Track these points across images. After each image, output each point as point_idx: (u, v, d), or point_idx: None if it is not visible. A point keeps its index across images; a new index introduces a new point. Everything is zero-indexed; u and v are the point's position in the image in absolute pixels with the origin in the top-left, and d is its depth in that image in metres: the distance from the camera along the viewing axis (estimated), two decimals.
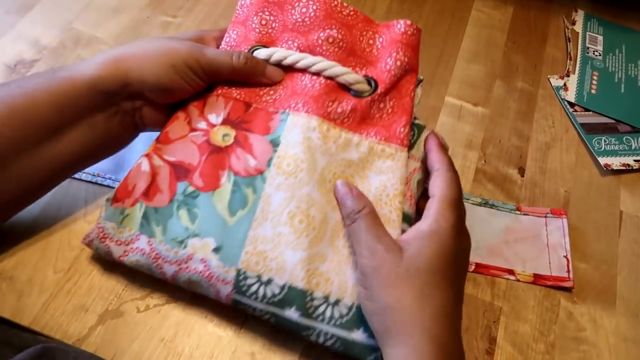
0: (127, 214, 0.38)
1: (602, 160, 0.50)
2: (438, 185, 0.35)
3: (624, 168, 0.50)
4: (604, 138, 0.52)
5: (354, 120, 0.40)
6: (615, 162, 0.50)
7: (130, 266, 0.38)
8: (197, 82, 0.40)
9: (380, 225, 0.35)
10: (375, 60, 0.42)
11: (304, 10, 0.42)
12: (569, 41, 0.59)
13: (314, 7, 0.41)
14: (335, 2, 0.42)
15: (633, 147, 0.51)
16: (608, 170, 0.50)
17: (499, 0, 0.62)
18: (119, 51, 0.38)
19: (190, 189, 0.38)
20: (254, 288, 0.35)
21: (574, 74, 0.57)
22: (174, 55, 0.38)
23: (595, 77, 0.57)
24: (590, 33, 0.60)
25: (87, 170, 0.44)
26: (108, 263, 0.40)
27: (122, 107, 0.39)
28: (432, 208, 0.34)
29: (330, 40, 0.41)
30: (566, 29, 0.61)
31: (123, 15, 0.55)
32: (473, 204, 0.46)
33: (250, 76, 0.41)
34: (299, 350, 0.38)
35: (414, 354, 0.30)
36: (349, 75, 0.40)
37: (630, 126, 0.53)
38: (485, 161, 0.50)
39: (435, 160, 0.37)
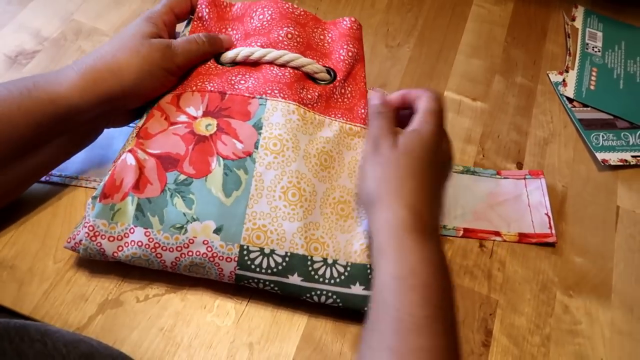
0: (118, 209, 0.38)
1: (600, 156, 0.50)
2: (422, 102, 0.40)
3: (621, 163, 0.50)
4: (602, 134, 0.52)
5: (322, 105, 0.44)
6: (613, 157, 0.51)
7: (125, 261, 0.38)
8: (172, 80, 0.42)
9: (389, 127, 0.40)
10: (329, 52, 0.46)
11: (260, 16, 0.46)
12: (569, 37, 0.59)
13: (269, 12, 0.46)
14: (287, 5, 0.46)
15: (631, 143, 0.52)
16: (605, 166, 0.50)
17: None
18: (94, 66, 0.38)
19: (182, 177, 0.39)
20: (257, 261, 0.38)
21: (573, 69, 0.57)
22: (151, 63, 0.40)
23: (594, 73, 0.57)
24: (589, 29, 0.61)
25: (69, 175, 0.44)
26: None
27: (99, 118, 0.40)
28: (416, 117, 0.40)
29: (289, 36, 0.45)
30: (566, 25, 0.61)
31: (124, 7, 0.55)
32: (456, 172, 0.48)
33: (215, 52, 0.44)
34: (296, 340, 0.39)
35: (392, 217, 0.36)
36: (313, 65, 0.44)
37: (628, 122, 0.53)
38: (483, 156, 0.50)
39: (413, 93, 0.42)
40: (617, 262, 0.45)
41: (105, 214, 0.37)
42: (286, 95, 0.42)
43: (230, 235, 0.38)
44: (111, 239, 0.37)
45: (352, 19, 0.46)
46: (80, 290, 0.39)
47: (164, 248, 0.37)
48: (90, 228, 0.37)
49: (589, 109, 0.54)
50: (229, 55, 0.44)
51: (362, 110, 0.44)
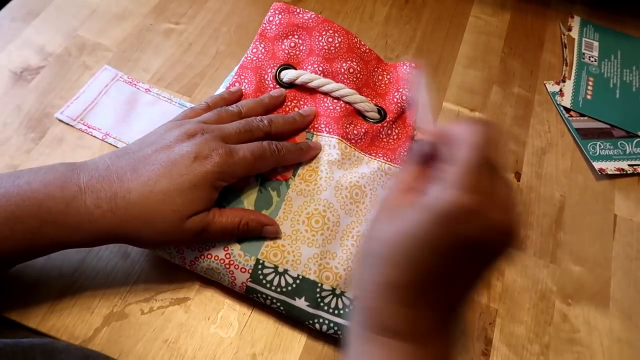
0: None
1: (597, 165, 0.51)
2: (461, 151, 0.27)
3: (618, 172, 0.51)
4: (598, 143, 0.53)
5: (365, 142, 0.45)
6: (610, 166, 0.51)
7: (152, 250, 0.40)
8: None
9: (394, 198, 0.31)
10: (384, 93, 0.48)
11: (330, 40, 0.47)
12: (565, 47, 0.60)
13: (339, 40, 0.47)
14: (356, 39, 0.47)
15: (627, 152, 0.52)
16: (603, 175, 0.51)
17: (496, 6, 0.63)
18: (113, 221, 0.34)
19: (221, 183, 0.40)
20: (269, 277, 0.39)
21: (569, 79, 0.58)
22: (179, 241, 0.38)
23: (590, 83, 0.57)
24: (586, 39, 0.61)
25: (99, 127, 0.47)
26: (113, 266, 0.41)
27: None
28: (435, 183, 0.28)
29: (351, 70, 0.46)
30: (562, 35, 0.62)
31: (127, 22, 0.56)
32: None
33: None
34: (298, 351, 0.39)
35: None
36: (366, 103, 0.46)
37: (625, 131, 0.54)
38: None
39: (455, 131, 0.29)
40: (615, 270, 0.46)
41: None
42: (331, 130, 0.44)
43: (250, 247, 0.39)
44: None
45: (413, 64, 0.48)
46: (85, 303, 0.40)
47: (187, 245, 0.39)
48: None
49: (585, 118, 0.55)
50: (289, 75, 0.45)
51: (405, 153, 0.46)
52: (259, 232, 0.40)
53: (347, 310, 0.39)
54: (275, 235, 0.40)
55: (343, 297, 0.39)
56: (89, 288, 0.40)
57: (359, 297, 0.30)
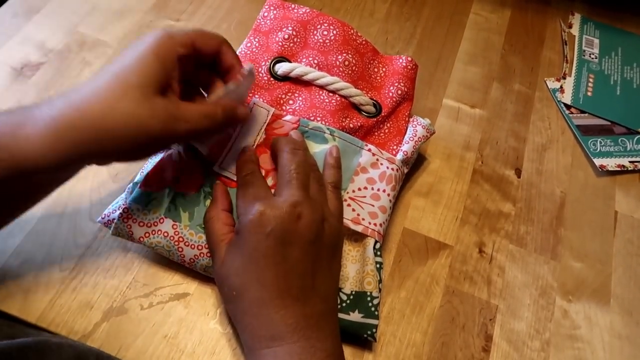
0: (154, 198, 0.40)
1: (598, 162, 0.51)
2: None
3: (619, 169, 0.51)
4: (599, 139, 0.53)
5: (359, 136, 0.45)
6: (611, 163, 0.51)
7: (149, 247, 0.39)
8: (164, 150, 0.40)
9: (219, 235, 0.37)
10: (379, 86, 0.47)
11: (325, 33, 0.46)
12: (566, 44, 0.60)
13: (334, 32, 0.46)
14: (352, 31, 0.46)
15: (628, 149, 0.52)
16: (603, 171, 0.51)
17: (496, 3, 0.63)
18: (72, 120, 0.30)
19: (219, 182, 0.41)
20: None
21: (570, 76, 0.58)
22: (148, 134, 0.32)
23: (591, 80, 0.57)
24: (586, 36, 0.61)
25: None
26: (112, 261, 0.41)
27: (67, 175, 0.35)
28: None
29: (346, 63, 0.46)
30: (563, 32, 0.61)
31: (127, 18, 0.56)
32: None
33: (226, 127, 0.40)
34: None
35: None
36: (362, 97, 0.45)
37: (626, 128, 0.54)
38: (482, 162, 0.51)
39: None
40: (615, 266, 0.46)
41: (141, 200, 0.39)
42: (327, 123, 0.44)
43: None
44: (141, 224, 0.39)
45: (409, 58, 0.47)
46: (85, 298, 0.40)
47: (187, 244, 0.39)
48: (125, 210, 0.39)
49: (586, 115, 0.55)
50: (283, 68, 0.45)
51: (394, 147, 0.45)
52: (235, 115, 0.37)
53: (344, 304, 0.39)
54: (246, 116, 0.39)
55: (341, 293, 0.39)
56: (88, 283, 0.40)
57: (239, 329, 0.36)
